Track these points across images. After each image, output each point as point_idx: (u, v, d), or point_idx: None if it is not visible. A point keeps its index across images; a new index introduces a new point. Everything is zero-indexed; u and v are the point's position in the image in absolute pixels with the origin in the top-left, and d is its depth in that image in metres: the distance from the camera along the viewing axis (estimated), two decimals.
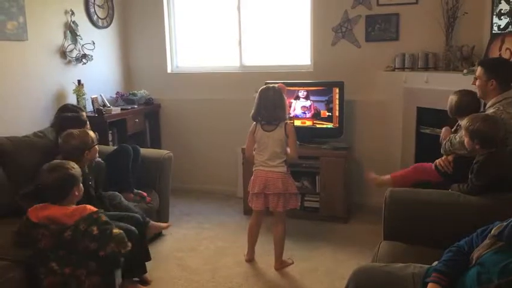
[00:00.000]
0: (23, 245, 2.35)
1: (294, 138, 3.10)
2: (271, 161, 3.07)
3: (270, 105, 3.04)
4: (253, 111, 3.13)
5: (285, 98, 3.14)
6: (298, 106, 4.17)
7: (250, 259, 3.29)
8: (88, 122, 3.30)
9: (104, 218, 2.38)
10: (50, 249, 2.30)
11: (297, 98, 4.16)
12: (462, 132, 2.59)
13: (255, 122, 3.15)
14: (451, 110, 2.95)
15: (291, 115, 4.07)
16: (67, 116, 3.33)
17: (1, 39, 3.39)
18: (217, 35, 4.78)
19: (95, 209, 2.41)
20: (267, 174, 3.07)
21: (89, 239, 2.29)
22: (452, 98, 2.93)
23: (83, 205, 2.43)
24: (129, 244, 2.39)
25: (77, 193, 2.44)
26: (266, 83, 4.14)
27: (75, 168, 2.46)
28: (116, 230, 2.37)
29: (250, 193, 3.18)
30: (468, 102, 2.84)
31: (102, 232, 2.31)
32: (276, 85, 3.14)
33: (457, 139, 2.73)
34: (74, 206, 2.42)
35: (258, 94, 3.12)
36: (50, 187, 2.39)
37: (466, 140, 2.51)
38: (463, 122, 2.55)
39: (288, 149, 3.09)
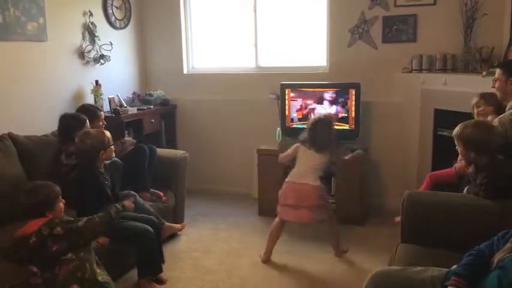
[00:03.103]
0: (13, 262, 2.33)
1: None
2: (304, 175, 3.20)
3: (320, 137, 3.22)
4: (303, 137, 3.29)
5: (334, 128, 3.37)
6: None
7: (267, 260, 3.29)
8: (88, 122, 3.30)
9: (65, 218, 2.34)
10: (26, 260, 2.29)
11: (321, 101, 4.15)
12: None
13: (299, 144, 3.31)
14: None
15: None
16: (66, 114, 3.37)
17: (22, 39, 3.46)
18: (233, 36, 4.79)
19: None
20: (299, 186, 3.18)
21: (56, 240, 2.24)
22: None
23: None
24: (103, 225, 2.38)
25: (50, 216, 2.34)
26: (282, 85, 4.18)
27: (49, 194, 2.37)
28: (81, 223, 2.31)
29: (282, 203, 3.24)
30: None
31: (68, 229, 2.26)
32: (326, 116, 3.38)
33: None
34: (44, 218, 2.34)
35: (310, 124, 3.28)
36: (23, 209, 2.37)
37: (460, 149, 2.45)
38: (455, 130, 2.47)
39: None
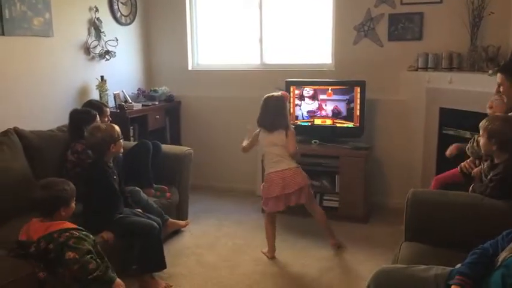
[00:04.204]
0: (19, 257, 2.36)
1: (293, 138, 3.21)
2: (279, 161, 3.19)
3: (271, 113, 3.19)
4: (258, 116, 3.26)
5: (287, 106, 3.32)
6: (304, 109, 4.18)
7: (273, 256, 3.30)
8: (98, 117, 3.33)
9: (63, 238, 2.28)
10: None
11: (302, 98, 4.16)
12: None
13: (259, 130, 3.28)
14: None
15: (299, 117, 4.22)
16: (77, 109, 3.41)
17: (28, 34, 3.46)
18: (239, 32, 4.78)
19: (67, 227, 2.34)
20: (284, 174, 3.16)
21: (51, 252, 2.28)
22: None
23: (60, 222, 2.37)
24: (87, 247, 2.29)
25: (63, 213, 2.39)
26: (287, 82, 4.18)
27: (67, 189, 2.41)
28: (72, 255, 2.25)
29: (268, 197, 3.23)
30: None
31: (58, 251, 2.26)
32: (280, 93, 3.30)
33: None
34: (53, 222, 2.37)
35: (262, 101, 3.25)
36: (37, 203, 2.39)
37: (482, 140, 2.44)
38: (482, 122, 2.47)
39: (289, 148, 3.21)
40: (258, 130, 3.28)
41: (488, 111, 2.90)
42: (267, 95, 3.28)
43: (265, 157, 3.30)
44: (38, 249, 2.28)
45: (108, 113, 3.57)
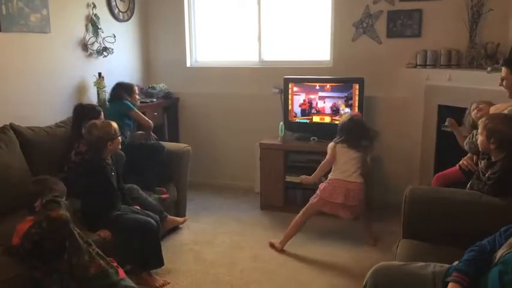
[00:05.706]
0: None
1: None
2: (352, 172, 3.31)
3: (357, 136, 3.38)
4: (339, 137, 3.41)
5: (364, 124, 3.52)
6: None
7: (282, 249, 3.37)
8: (102, 114, 3.33)
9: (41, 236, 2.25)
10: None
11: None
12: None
13: (334, 143, 3.42)
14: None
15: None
16: (81, 105, 3.39)
17: (25, 31, 3.44)
18: (237, 29, 4.77)
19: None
20: (350, 185, 3.27)
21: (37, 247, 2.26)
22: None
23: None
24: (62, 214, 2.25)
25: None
26: (285, 79, 4.17)
27: (59, 184, 2.45)
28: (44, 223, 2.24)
29: (328, 200, 3.28)
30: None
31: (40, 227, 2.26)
32: (358, 116, 3.54)
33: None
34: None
35: (345, 123, 3.41)
36: (27, 199, 2.40)
37: (480, 138, 2.43)
38: (481, 120, 2.46)
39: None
40: (333, 145, 3.41)
41: (473, 113, 2.87)
42: (351, 115, 3.48)
43: (336, 166, 3.37)
44: (25, 250, 2.25)
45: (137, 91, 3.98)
